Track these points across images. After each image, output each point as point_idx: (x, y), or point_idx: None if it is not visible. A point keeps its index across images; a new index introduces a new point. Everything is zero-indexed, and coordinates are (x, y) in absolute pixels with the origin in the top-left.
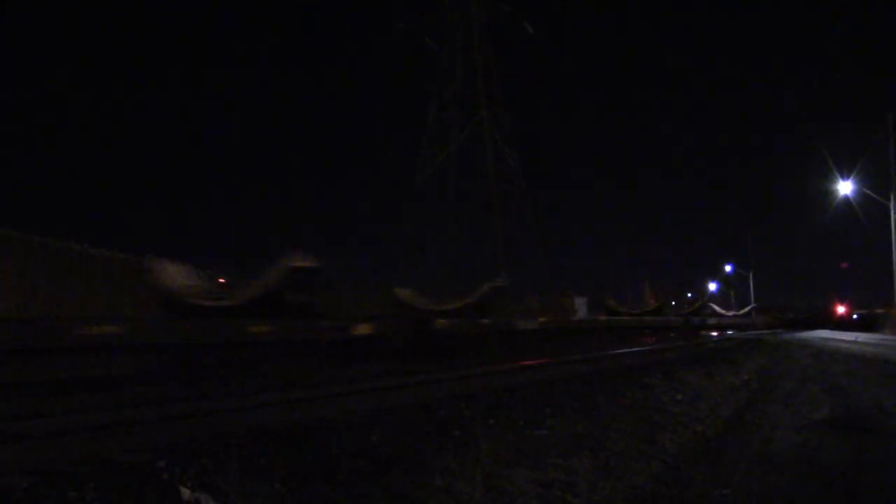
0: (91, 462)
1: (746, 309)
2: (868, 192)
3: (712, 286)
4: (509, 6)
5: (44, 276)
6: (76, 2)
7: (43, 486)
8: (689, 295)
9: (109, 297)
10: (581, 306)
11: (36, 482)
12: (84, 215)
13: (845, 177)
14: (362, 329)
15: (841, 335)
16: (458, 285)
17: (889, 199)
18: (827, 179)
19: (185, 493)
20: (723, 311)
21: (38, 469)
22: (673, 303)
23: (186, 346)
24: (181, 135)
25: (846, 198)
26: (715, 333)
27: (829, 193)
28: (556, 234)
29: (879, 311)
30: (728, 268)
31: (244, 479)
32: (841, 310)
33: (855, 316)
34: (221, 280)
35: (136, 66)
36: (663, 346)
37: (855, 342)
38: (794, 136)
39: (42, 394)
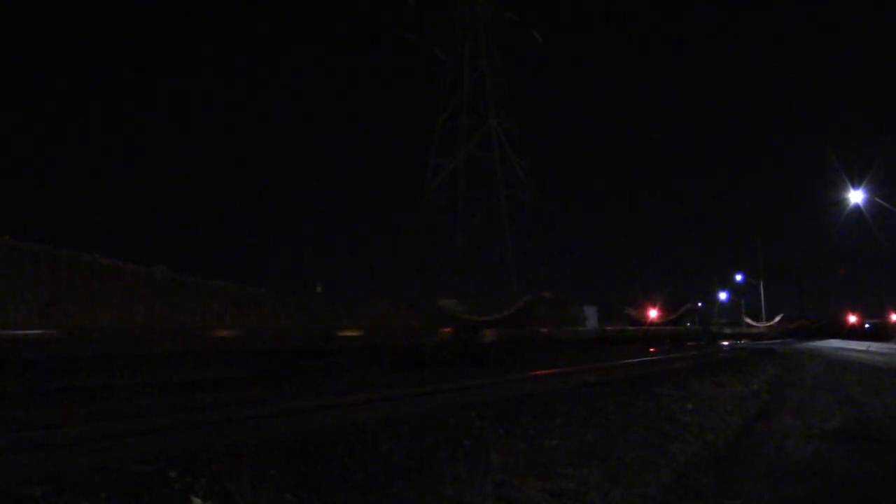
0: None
1: (776, 319)
2: (880, 201)
3: (723, 295)
4: (516, 15)
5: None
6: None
7: (53, 494)
8: (700, 304)
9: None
10: (591, 316)
11: (45, 491)
12: (85, 224)
13: (856, 186)
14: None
15: (853, 344)
16: (500, 296)
17: None
18: (838, 188)
19: (197, 502)
20: (753, 323)
21: (49, 477)
22: (684, 312)
23: None
24: (182, 141)
25: (857, 207)
26: (726, 343)
27: (841, 202)
28: (565, 243)
29: (892, 320)
30: (738, 277)
31: (255, 487)
32: (852, 319)
33: (867, 325)
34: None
35: (149, 70)
36: (674, 355)
37: (866, 352)
38: (805, 145)
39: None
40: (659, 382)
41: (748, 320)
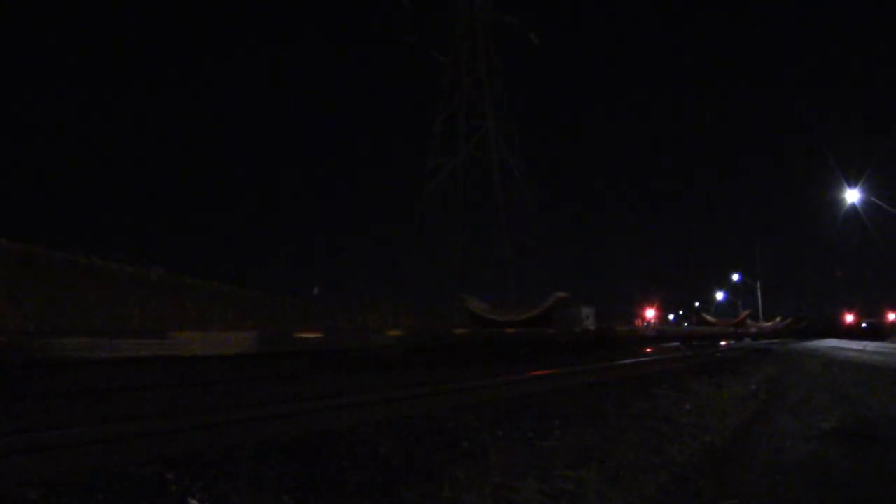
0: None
1: (776, 321)
2: (876, 200)
3: (720, 295)
4: (515, 17)
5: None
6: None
7: (52, 496)
8: (697, 304)
9: None
10: (589, 316)
11: (46, 493)
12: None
13: (853, 185)
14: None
15: (849, 344)
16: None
17: None
18: (835, 188)
19: None
20: (712, 320)
21: (48, 479)
22: (554, 304)
23: None
24: (180, 141)
25: (853, 206)
26: (724, 343)
27: (837, 202)
28: (562, 244)
29: (888, 319)
30: (735, 277)
31: (253, 490)
32: (849, 318)
33: (864, 325)
34: None
35: (145, 72)
36: (671, 356)
37: (863, 351)
38: (802, 144)
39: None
40: (656, 383)
41: (707, 317)
